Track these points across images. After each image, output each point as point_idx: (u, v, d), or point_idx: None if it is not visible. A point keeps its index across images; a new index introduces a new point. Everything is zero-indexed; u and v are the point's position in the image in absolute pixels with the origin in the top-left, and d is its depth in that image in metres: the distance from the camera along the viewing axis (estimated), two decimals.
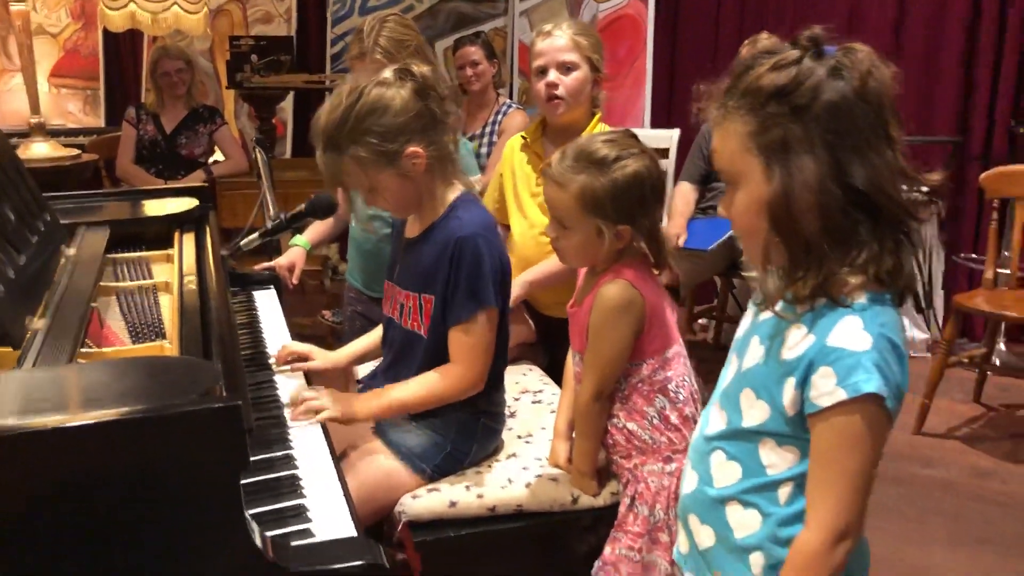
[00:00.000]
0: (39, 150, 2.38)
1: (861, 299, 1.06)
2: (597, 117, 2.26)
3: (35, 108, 2.70)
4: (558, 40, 2.17)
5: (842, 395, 1.04)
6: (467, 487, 1.66)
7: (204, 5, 4.58)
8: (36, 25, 5.97)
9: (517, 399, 2.02)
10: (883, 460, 1.73)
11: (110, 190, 3.33)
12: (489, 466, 1.74)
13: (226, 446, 1.06)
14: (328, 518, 1.30)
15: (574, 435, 1.69)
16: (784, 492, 1.15)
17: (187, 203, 2.25)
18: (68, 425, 1.01)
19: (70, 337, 1.38)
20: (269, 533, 1.16)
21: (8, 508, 0.99)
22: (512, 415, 1.92)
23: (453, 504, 1.63)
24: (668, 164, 3.82)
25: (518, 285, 2.18)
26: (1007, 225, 3.43)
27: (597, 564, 1.64)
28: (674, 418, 1.58)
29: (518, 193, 2.32)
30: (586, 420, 1.63)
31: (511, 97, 4.73)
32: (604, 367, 1.56)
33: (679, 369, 1.60)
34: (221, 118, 4.41)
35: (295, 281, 2.39)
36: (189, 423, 1.03)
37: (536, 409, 1.99)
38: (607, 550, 1.63)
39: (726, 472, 1.19)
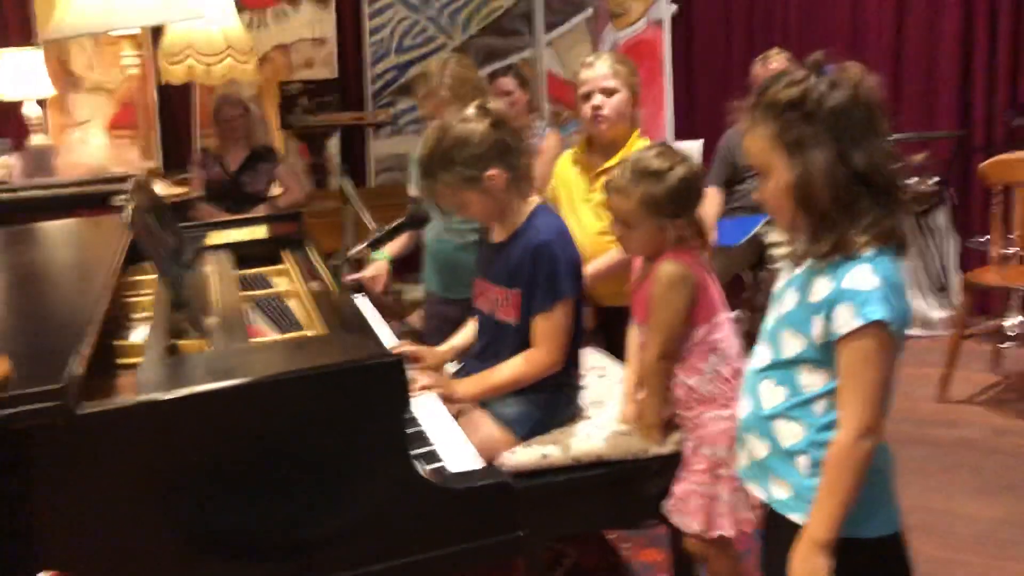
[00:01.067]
0: (156, 189, 2.79)
1: (868, 252, 1.40)
2: (636, 132, 2.62)
3: (148, 155, 3.08)
4: (600, 69, 2.54)
5: (858, 323, 1.37)
6: (554, 443, 2.00)
7: (254, 55, 4.99)
8: (93, 83, 6.44)
9: (585, 375, 2.35)
10: (909, 424, 2.12)
11: (217, 219, 3.71)
12: (571, 427, 2.08)
13: (394, 391, 1.41)
14: (456, 459, 1.64)
15: (640, 395, 2.03)
16: (819, 406, 1.47)
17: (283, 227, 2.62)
18: (280, 378, 1.37)
19: (240, 328, 1.75)
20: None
21: (238, 449, 1.34)
22: (585, 387, 2.26)
23: (545, 457, 1.97)
24: None
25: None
26: (1013, 208, 3.74)
27: (669, 501, 1.97)
28: (726, 372, 1.91)
29: (572, 200, 2.68)
30: (653, 378, 1.96)
31: (543, 120, 5.09)
32: (666, 331, 1.90)
33: (727, 332, 1.93)
34: (278, 156, 4.80)
35: (381, 289, 2.75)
36: (369, 373, 1.39)
37: (602, 381, 2.32)
38: (677, 488, 1.96)
39: (773, 395, 1.52)
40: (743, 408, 1.60)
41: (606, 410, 2.15)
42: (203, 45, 4.84)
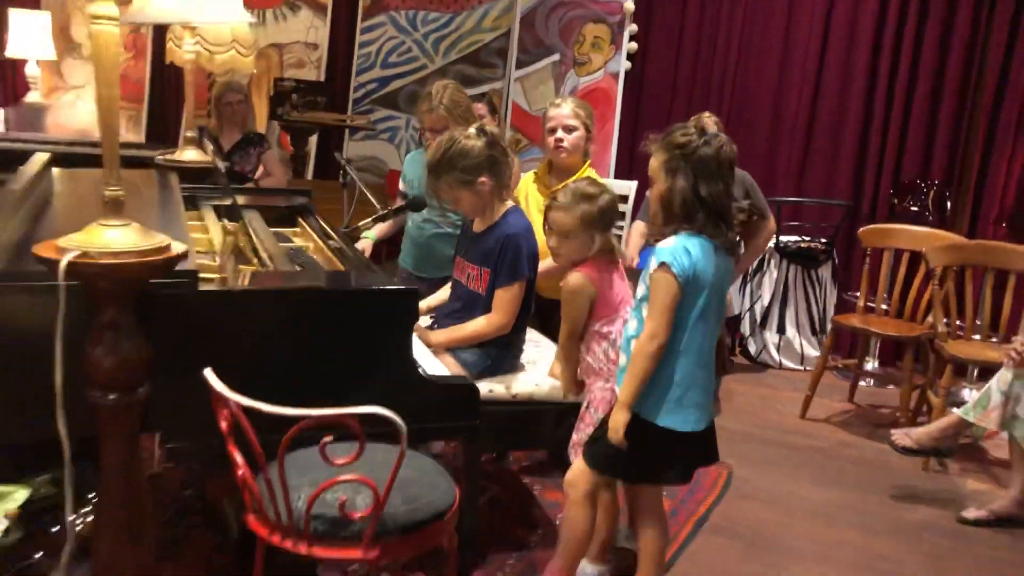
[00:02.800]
0: (190, 155, 3.30)
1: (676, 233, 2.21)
2: (587, 163, 3.32)
3: (190, 125, 3.57)
4: (564, 110, 3.26)
5: (655, 265, 2.18)
6: (499, 383, 2.66)
7: (254, 49, 5.58)
8: (90, 53, 6.92)
9: (525, 344, 3.03)
10: (775, 432, 3.13)
11: (244, 186, 4.28)
12: (513, 374, 2.74)
13: (410, 308, 2.07)
14: (435, 371, 2.30)
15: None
16: None
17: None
18: (333, 287, 2.01)
19: (287, 262, 2.38)
20: None
21: (301, 335, 1.98)
22: (523, 351, 2.93)
23: (491, 391, 2.63)
24: (627, 207, 4.91)
25: None
26: (894, 270, 4.55)
27: (570, 445, 2.65)
28: (612, 355, 2.58)
29: (530, 212, 3.36)
30: (565, 351, 2.63)
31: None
32: (570, 322, 2.55)
33: (618, 326, 2.59)
34: (268, 143, 5.38)
35: None
36: (401, 294, 2.04)
37: (536, 349, 3.00)
38: (574, 436, 2.64)
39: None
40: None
41: (538, 367, 2.83)
42: (211, 35, 5.39)
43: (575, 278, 2.55)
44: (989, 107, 4.80)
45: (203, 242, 2.61)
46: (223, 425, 1.57)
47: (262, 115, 6.18)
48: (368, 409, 1.44)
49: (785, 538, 3.12)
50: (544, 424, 2.71)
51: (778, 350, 5.09)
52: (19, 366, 1.70)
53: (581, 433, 2.59)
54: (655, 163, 2.25)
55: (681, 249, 2.20)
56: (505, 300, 2.67)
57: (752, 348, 5.16)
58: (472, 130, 2.68)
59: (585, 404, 2.62)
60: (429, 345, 2.67)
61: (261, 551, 1.70)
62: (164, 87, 6.95)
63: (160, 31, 5.68)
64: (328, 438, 1.45)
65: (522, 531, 3.02)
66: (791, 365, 5.06)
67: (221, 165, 3.89)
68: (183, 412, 1.88)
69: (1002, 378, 3.27)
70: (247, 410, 1.51)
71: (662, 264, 2.19)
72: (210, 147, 5.19)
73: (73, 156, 5.40)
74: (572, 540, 2.51)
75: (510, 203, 2.76)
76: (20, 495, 1.37)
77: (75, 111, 7.22)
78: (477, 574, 2.72)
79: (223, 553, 2.70)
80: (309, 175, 6.36)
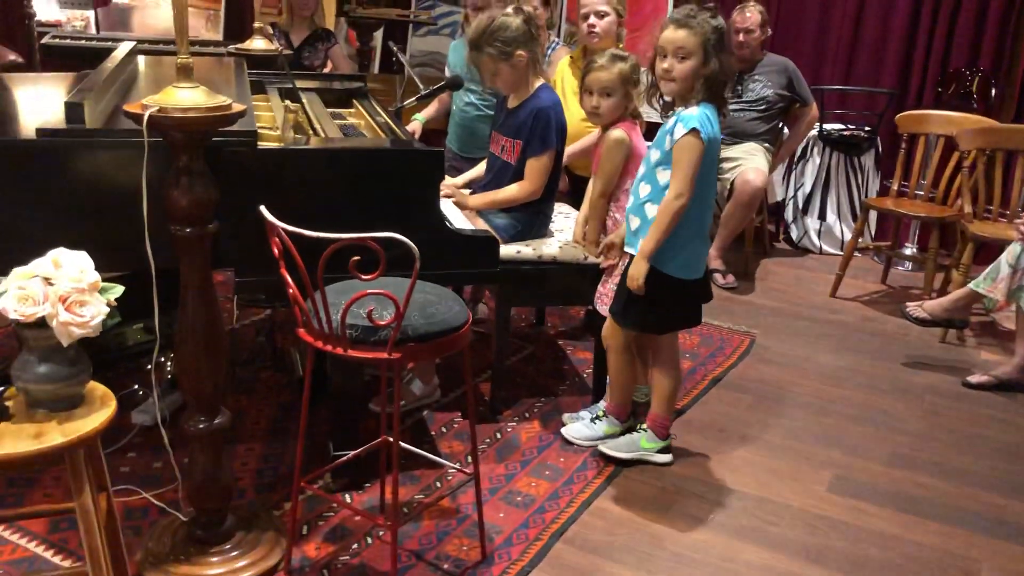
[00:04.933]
0: (258, 44, 3.69)
1: (699, 104, 2.46)
2: (621, 46, 3.55)
3: (253, 19, 3.95)
4: None
5: (684, 130, 2.43)
6: (526, 245, 2.99)
7: None
8: None
9: (555, 216, 3.33)
10: (803, 307, 3.64)
11: (307, 72, 4.66)
12: (540, 240, 3.07)
13: (437, 168, 2.40)
14: (464, 227, 2.65)
15: (587, 222, 3.01)
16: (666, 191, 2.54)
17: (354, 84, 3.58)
18: (366, 147, 2.36)
19: (338, 133, 2.72)
20: None
21: (347, 188, 2.33)
22: (553, 222, 3.24)
23: (519, 252, 2.96)
24: None
25: (564, 156, 3.51)
26: (927, 155, 4.68)
27: (596, 295, 2.98)
28: None
29: (566, 93, 3.63)
30: (594, 210, 2.95)
31: (558, 36, 5.97)
32: (606, 176, 2.89)
33: None
34: (335, 38, 5.69)
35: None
36: (427, 155, 2.38)
37: (567, 220, 3.30)
38: (600, 288, 2.97)
39: (644, 189, 2.61)
40: (630, 202, 2.64)
41: (565, 235, 3.15)
42: None
43: (616, 132, 2.87)
44: None
45: (267, 119, 2.97)
46: (275, 251, 1.94)
47: (330, 12, 6.47)
48: (386, 234, 1.78)
49: (793, 394, 3.43)
50: (568, 281, 3.02)
51: (819, 236, 5.29)
52: (119, 207, 2.10)
53: (608, 285, 2.92)
54: (692, 41, 2.47)
55: (705, 117, 2.49)
56: (536, 168, 2.97)
57: (794, 234, 5.36)
58: (509, 8, 2.95)
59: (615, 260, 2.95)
60: (466, 208, 3.01)
61: (310, 360, 2.09)
62: None
63: None
64: (355, 258, 1.80)
65: (552, 381, 3.40)
66: (831, 250, 5.26)
67: (284, 53, 4.23)
68: (250, 250, 2.27)
69: (1011, 251, 3.46)
70: (292, 236, 1.87)
71: (693, 130, 2.46)
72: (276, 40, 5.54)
73: (157, 52, 5.82)
74: (617, 382, 2.91)
75: (541, 80, 3.04)
76: (118, 289, 1.76)
77: (159, 11, 7.62)
78: (508, 412, 3.11)
79: (290, 390, 3.15)
80: (376, 69, 6.67)
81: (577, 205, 3.51)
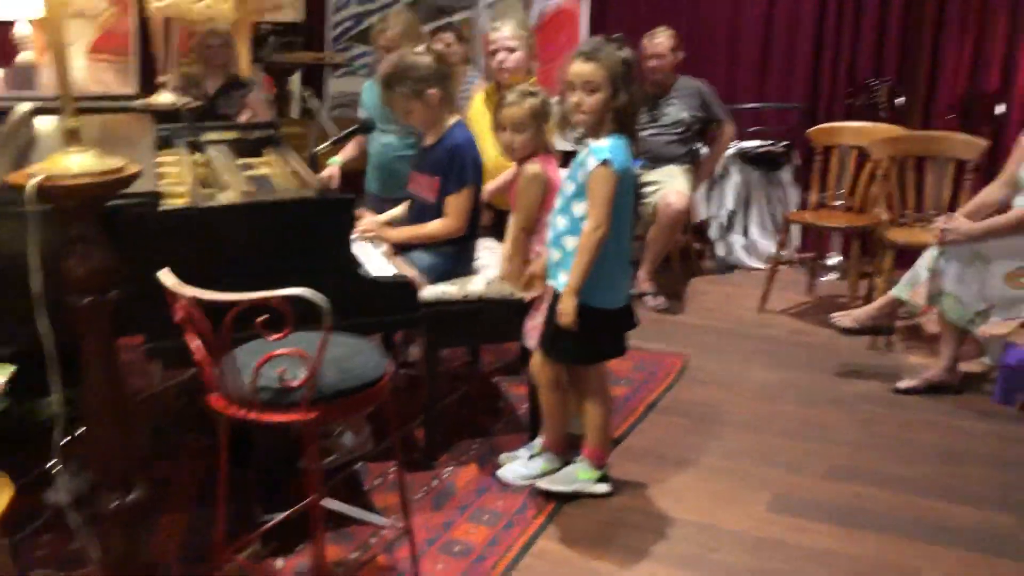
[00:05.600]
0: (164, 98, 3.61)
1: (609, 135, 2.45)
2: (532, 80, 3.55)
3: (163, 72, 3.86)
4: (504, 32, 3.50)
5: (596, 162, 2.43)
6: (452, 284, 2.95)
7: None
8: (76, 9, 7.10)
9: (480, 251, 3.30)
10: (732, 323, 3.69)
11: (217, 124, 4.57)
12: (465, 278, 3.03)
13: (347, 216, 2.35)
14: (382, 272, 2.60)
15: (511, 258, 2.99)
16: (583, 224, 2.53)
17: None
18: (272, 200, 2.30)
19: (247, 185, 2.66)
20: None
21: (250, 241, 2.27)
22: (478, 259, 3.21)
23: (444, 292, 2.91)
24: None
25: (484, 192, 3.48)
26: (842, 167, 4.76)
27: (525, 330, 2.95)
28: None
29: (482, 130, 3.60)
30: (516, 246, 2.93)
31: (478, 71, 5.98)
32: (526, 211, 2.87)
33: None
34: (251, 85, 5.61)
35: (334, 186, 3.66)
36: (336, 203, 2.32)
37: (490, 254, 3.26)
38: (528, 323, 2.94)
39: (561, 222, 2.59)
40: (549, 236, 2.65)
41: (490, 270, 3.11)
42: None
43: (531, 167, 2.86)
44: (937, 2, 4.95)
45: (174, 175, 2.89)
46: (178, 316, 1.87)
47: (245, 59, 6.39)
48: (292, 291, 1.73)
49: (729, 414, 3.43)
50: (497, 318, 2.98)
51: (745, 252, 5.34)
52: (14, 280, 2.00)
53: (537, 319, 2.89)
54: (600, 74, 2.47)
55: (616, 148, 2.50)
56: (455, 205, 2.94)
57: (720, 251, 5.41)
58: (420, 48, 2.93)
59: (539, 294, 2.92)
60: (388, 241, 2.97)
61: (225, 427, 2.01)
62: (150, 39, 7.13)
63: None
64: (263, 317, 1.74)
65: (488, 421, 3.35)
66: (757, 265, 5.31)
67: (190, 104, 4.15)
68: (158, 315, 2.17)
69: (928, 255, 3.52)
70: (196, 300, 1.80)
71: (604, 162, 2.46)
72: (184, 92, 5.44)
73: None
74: (550, 418, 2.86)
75: (457, 117, 3.01)
76: (6, 370, 1.67)
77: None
78: (444, 457, 3.05)
79: (217, 453, 3.04)
80: (294, 114, 6.60)
81: (501, 239, 3.49)
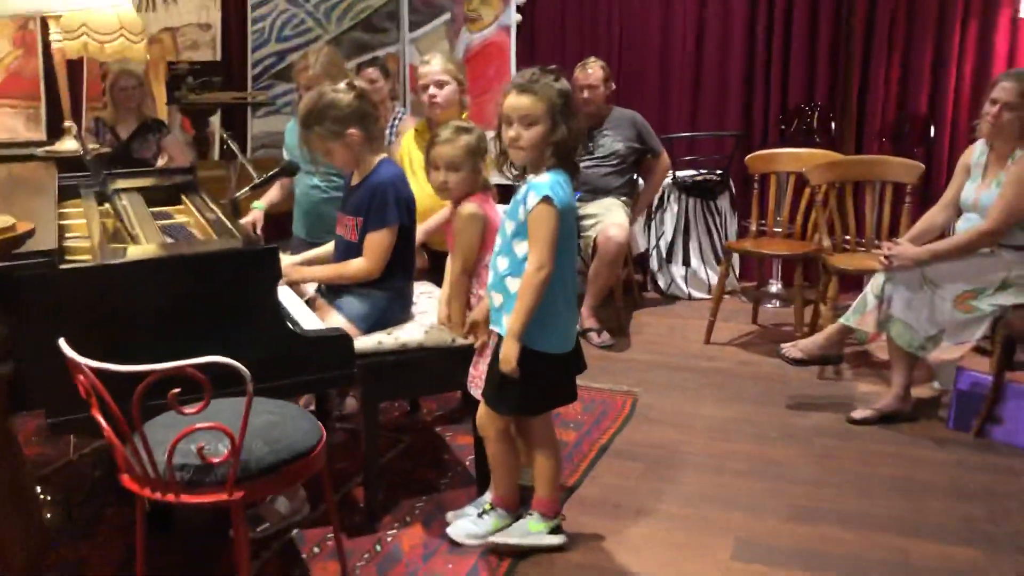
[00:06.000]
0: (69, 145, 3.35)
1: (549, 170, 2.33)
2: (465, 115, 3.41)
3: (70, 117, 3.65)
4: (434, 66, 3.35)
5: (536, 199, 2.31)
6: (388, 334, 2.76)
7: (144, 35, 5.53)
8: None
9: (417, 296, 3.11)
10: (680, 358, 3.54)
11: (129, 170, 4.31)
12: (401, 326, 2.85)
13: (272, 267, 2.15)
14: (310, 326, 2.40)
15: (450, 302, 2.81)
16: (525, 264, 2.39)
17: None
18: (188, 253, 2.09)
19: (159, 236, 2.44)
20: None
21: (163, 301, 2.06)
22: (415, 304, 3.03)
23: (380, 343, 2.73)
24: None
25: (419, 233, 3.32)
26: (780, 193, 4.72)
27: (468, 379, 2.77)
28: None
29: (414, 168, 3.46)
30: (456, 289, 2.76)
31: (404, 106, 5.83)
32: (464, 253, 2.70)
33: None
34: (167, 128, 5.36)
35: (259, 232, 3.45)
36: (260, 254, 2.13)
37: (430, 300, 3.09)
38: (472, 369, 2.76)
39: (502, 263, 2.45)
40: (489, 278, 2.52)
41: (428, 317, 2.93)
42: (98, 24, 5.34)
43: (468, 207, 2.70)
44: (863, 26, 4.97)
45: (80, 229, 2.66)
46: (82, 390, 1.65)
47: (161, 101, 6.13)
48: (208, 359, 1.53)
49: (684, 455, 3.29)
50: (438, 367, 2.81)
51: (686, 282, 5.26)
52: None
53: (481, 366, 2.71)
54: (538, 108, 2.34)
55: (557, 184, 2.36)
56: (373, 244, 2.76)
57: (661, 282, 5.32)
58: (341, 84, 2.76)
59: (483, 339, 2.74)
60: (303, 280, 2.79)
61: (140, 508, 1.79)
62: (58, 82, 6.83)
63: (46, 24, 5.57)
64: (175, 390, 1.54)
65: (433, 475, 3.15)
66: (699, 295, 5.24)
67: (100, 150, 3.91)
68: (60, 387, 1.95)
69: (875, 282, 3.46)
70: (100, 372, 1.59)
71: (545, 198, 2.32)
72: (92, 139, 5.17)
73: None
74: (499, 471, 2.68)
75: (383, 155, 2.84)
76: None
77: None
78: (387, 519, 2.84)
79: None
80: (216, 155, 6.35)
81: (438, 282, 3.31)
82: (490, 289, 2.52)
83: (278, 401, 1.92)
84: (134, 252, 2.19)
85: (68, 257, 2.34)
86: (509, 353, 2.39)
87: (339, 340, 2.30)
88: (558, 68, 2.42)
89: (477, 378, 2.75)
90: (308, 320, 2.47)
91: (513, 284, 2.43)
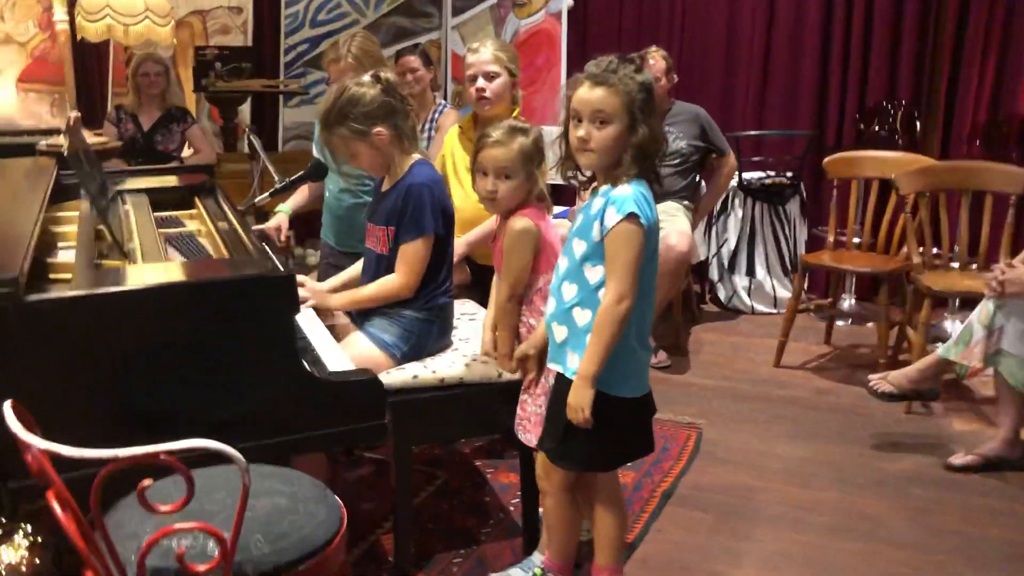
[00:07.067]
0: (53, 139, 3.03)
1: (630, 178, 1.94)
2: (516, 111, 3.00)
3: (73, 106, 3.34)
4: (484, 55, 2.93)
5: (618, 216, 1.90)
6: (424, 366, 2.38)
7: (171, 18, 5.19)
8: (4, 35, 6.48)
9: (459, 319, 2.72)
10: (747, 384, 2.82)
11: (137, 168, 3.96)
12: (440, 355, 2.46)
13: (287, 299, 1.76)
14: (335, 364, 2.01)
15: (496, 330, 2.42)
16: (601, 294, 2.00)
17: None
18: (191, 282, 1.71)
19: (157, 252, 2.07)
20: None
21: (152, 340, 1.68)
22: (456, 328, 2.64)
23: (415, 377, 2.34)
24: None
25: (461, 245, 2.93)
26: (849, 200, 4.27)
27: (516, 420, 2.37)
28: None
29: (457, 171, 3.05)
30: (503, 317, 2.36)
31: (445, 99, 5.44)
32: (514, 276, 2.30)
33: None
34: (192, 118, 5.02)
35: (283, 239, 3.08)
36: (272, 282, 1.74)
37: (472, 324, 2.70)
38: (519, 409, 2.36)
39: (569, 291, 2.05)
40: (549, 307, 2.13)
41: (471, 345, 2.54)
42: (121, 5, 5.01)
43: (520, 222, 2.28)
44: (955, 18, 4.48)
45: (72, 237, 2.30)
46: (33, 470, 1.28)
47: (188, 88, 5.80)
48: (187, 444, 1.15)
49: (758, 505, 2.87)
50: (481, 406, 2.42)
51: (749, 294, 4.82)
52: None
53: (530, 407, 2.32)
54: (614, 103, 1.93)
55: (641, 197, 1.96)
56: (407, 256, 2.38)
57: (722, 294, 4.89)
58: (366, 77, 2.37)
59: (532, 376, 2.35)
60: (327, 308, 2.41)
61: None
62: (86, 66, 6.53)
63: (71, 7, 5.26)
64: (146, 482, 1.16)
65: (472, 521, 2.76)
66: (764, 309, 4.79)
67: (107, 144, 3.57)
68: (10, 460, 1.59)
69: (983, 310, 3.01)
70: (54, 452, 1.21)
71: (630, 216, 1.92)
72: (112, 129, 4.84)
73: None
74: (557, 531, 2.28)
75: (416, 156, 2.45)
76: None
77: None
78: None
79: None
80: (245, 147, 6.00)
81: (483, 300, 2.92)
82: (551, 320, 2.11)
83: (287, 472, 1.53)
84: (119, 277, 1.81)
85: (52, 276, 1.99)
86: (581, 400, 1.99)
87: (367, 386, 1.90)
88: (640, 56, 2.00)
89: (525, 420, 2.35)
90: (332, 355, 2.07)
91: (582, 316, 2.03)
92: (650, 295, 2.08)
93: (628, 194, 1.93)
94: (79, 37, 5.44)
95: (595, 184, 2.06)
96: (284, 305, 1.76)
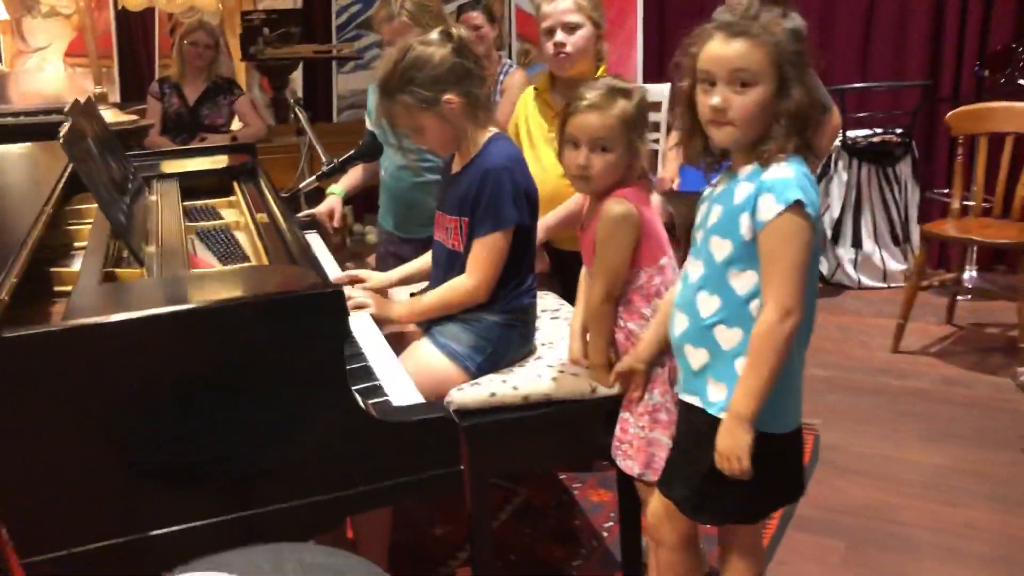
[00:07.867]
0: (105, 116, 2.68)
1: (787, 155, 1.49)
2: (602, 69, 2.56)
3: (97, 81, 3.07)
4: (562, 3, 2.47)
5: (779, 207, 1.45)
6: (503, 381, 1.98)
7: None
8: (49, 8, 6.20)
9: (539, 316, 2.32)
10: (862, 374, 2.19)
11: (170, 148, 3.64)
12: (522, 365, 2.06)
13: (334, 322, 1.38)
14: (399, 393, 1.63)
15: (588, 336, 2.01)
16: (754, 307, 1.54)
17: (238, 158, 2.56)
18: (213, 306, 1.33)
19: (180, 258, 1.70)
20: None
21: (168, 380, 1.31)
22: (537, 329, 2.24)
23: (493, 395, 1.95)
24: (661, 116, 4.12)
25: (540, 230, 2.50)
26: (975, 160, 3.74)
27: (614, 443, 1.97)
28: None
29: (533, 141, 2.63)
30: (597, 320, 1.95)
31: (510, 58, 5.00)
32: (610, 272, 1.88)
33: (670, 276, 1.91)
34: (239, 89, 4.68)
35: (336, 224, 2.70)
36: (308, 303, 1.35)
37: (555, 323, 2.30)
38: (618, 431, 1.96)
39: (709, 305, 1.59)
40: (678, 324, 1.66)
41: (556, 350, 2.14)
42: None
43: (617, 206, 1.85)
44: None
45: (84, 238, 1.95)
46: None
47: (235, 57, 5.46)
48: None
49: (898, 528, 2.43)
50: (570, 430, 2.02)
51: (855, 267, 4.32)
52: None
53: (632, 429, 1.92)
54: (758, 59, 1.48)
55: (804, 179, 1.50)
56: (481, 254, 1.98)
57: (824, 268, 4.39)
58: (433, 34, 1.95)
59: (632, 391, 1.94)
60: (388, 319, 2.02)
61: None
62: (132, 38, 6.26)
63: None
64: None
65: (560, 552, 2.38)
66: (872, 283, 4.30)
67: (134, 122, 3.23)
68: (33, 507, 1.26)
69: None
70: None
71: (796, 204, 1.46)
72: (156, 103, 4.52)
73: (38, 126, 4.70)
74: None
75: (493, 130, 2.04)
76: None
77: (42, 75, 6.59)
78: None
79: None
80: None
81: (565, 293, 2.51)
82: (684, 341, 1.67)
83: (332, 553, 1.15)
84: (122, 297, 1.44)
85: (58, 288, 1.64)
86: (736, 446, 1.53)
87: (440, 425, 1.50)
88: None
89: (627, 444, 1.94)
90: (396, 383, 1.68)
91: (728, 337, 1.58)
92: (814, 301, 1.61)
93: (789, 176, 1.48)
94: (120, 6, 5.14)
95: (730, 166, 1.62)
96: (330, 329, 1.37)
